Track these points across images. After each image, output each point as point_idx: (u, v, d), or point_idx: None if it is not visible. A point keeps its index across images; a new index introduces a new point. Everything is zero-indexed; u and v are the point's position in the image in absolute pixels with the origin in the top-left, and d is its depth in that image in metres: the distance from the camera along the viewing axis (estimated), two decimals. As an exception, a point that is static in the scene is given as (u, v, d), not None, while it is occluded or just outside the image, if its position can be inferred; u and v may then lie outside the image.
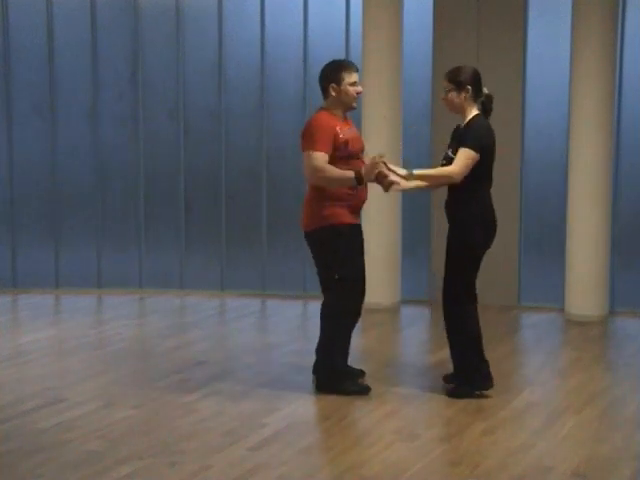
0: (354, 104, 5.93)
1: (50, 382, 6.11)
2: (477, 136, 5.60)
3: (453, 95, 5.71)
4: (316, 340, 5.98)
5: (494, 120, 5.91)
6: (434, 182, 5.77)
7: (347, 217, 5.78)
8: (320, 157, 5.68)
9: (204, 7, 9.09)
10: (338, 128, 5.77)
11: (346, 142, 5.78)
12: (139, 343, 7.34)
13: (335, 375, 5.89)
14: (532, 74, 8.41)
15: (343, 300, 5.83)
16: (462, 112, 5.73)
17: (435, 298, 8.69)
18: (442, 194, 8.56)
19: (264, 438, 5.03)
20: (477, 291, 5.85)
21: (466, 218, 5.68)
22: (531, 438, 5.06)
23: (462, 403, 5.65)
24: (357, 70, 5.91)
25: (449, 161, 5.69)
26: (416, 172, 5.66)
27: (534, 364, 6.66)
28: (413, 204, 8.75)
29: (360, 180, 5.65)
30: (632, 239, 8.37)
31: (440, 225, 8.65)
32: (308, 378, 6.07)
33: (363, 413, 5.52)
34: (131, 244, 9.36)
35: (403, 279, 8.65)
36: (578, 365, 6.38)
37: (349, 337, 5.94)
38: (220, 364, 6.57)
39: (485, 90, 5.79)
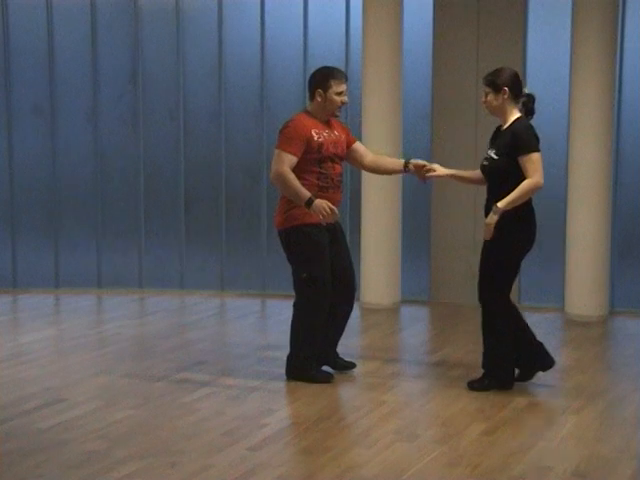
0: (337, 113, 6.08)
1: (50, 382, 6.11)
2: (530, 136, 5.64)
3: (491, 98, 5.73)
4: (316, 340, 6.03)
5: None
6: (524, 200, 5.65)
7: (316, 217, 5.86)
8: (287, 160, 5.84)
9: (204, 7, 9.09)
10: (314, 131, 5.92)
11: (320, 145, 5.93)
12: (139, 343, 7.34)
13: (303, 364, 6.07)
14: (532, 74, 8.41)
15: (312, 298, 5.99)
16: (502, 114, 5.74)
17: (435, 298, 8.72)
18: (442, 195, 8.60)
19: (264, 438, 5.03)
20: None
21: (515, 218, 5.63)
22: (531, 438, 5.06)
23: (462, 403, 5.66)
24: (346, 80, 6.06)
25: (490, 162, 5.74)
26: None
27: (534, 364, 6.66)
28: (413, 204, 8.75)
29: (308, 206, 5.79)
30: (632, 239, 8.37)
31: (440, 225, 8.68)
32: (308, 378, 6.11)
33: (363, 413, 5.52)
34: (131, 244, 9.36)
35: (403, 279, 8.65)
36: (578, 365, 6.38)
37: (323, 329, 6.08)
38: (220, 364, 6.57)
39: (526, 90, 5.78)
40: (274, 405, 5.64)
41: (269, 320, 8.49)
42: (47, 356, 6.87)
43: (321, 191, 5.91)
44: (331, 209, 5.78)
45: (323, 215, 5.78)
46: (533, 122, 5.83)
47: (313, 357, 6.12)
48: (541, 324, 7.94)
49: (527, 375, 5.99)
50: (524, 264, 8.40)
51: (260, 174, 9.05)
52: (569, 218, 8.05)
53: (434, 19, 8.58)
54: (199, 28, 9.13)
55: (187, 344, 7.18)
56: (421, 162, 6.15)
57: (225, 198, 9.18)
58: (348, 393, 6.03)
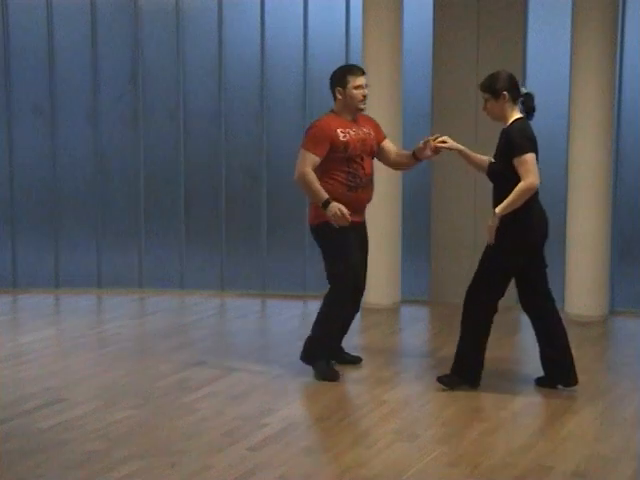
0: (360, 106, 6.09)
1: (50, 382, 6.11)
2: (522, 137, 5.59)
3: (492, 104, 5.70)
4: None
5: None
6: (520, 203, 5.60)
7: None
8: (310, 160, 5.90)
9: (204, 7, 9.09)
10: (339, 130, 5.96)
11: (346, 145, 5.95)
12: (139, 343, 7.35)
13: (318, 350, 6.15)
14: (532, 74, 8.41)
15: (339, 292, 6.06)
16: (504, 118, 5.71)
17: (435, 298, 8.72)
18: (442, 195, 8.60)
19: (264, 438, 5.03)
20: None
21: (511, 221, 5.61)
22: (531, 438, 5.07)
23: (462, 403, 5.66)
24: (363, 73, 6.08)
25: (490, 165, 5.78)
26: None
27: (534, 364, 6.65)
28: (413, 204, 8.75)
29: (325, 208, 5.85)
30: (632, 239, 8.37)
31: (440, 225, 8.68)
32: (308, 378, 6.10)
33: (363, 413, 5.53)
34: (131, 244, 9.36)
35: (403, 279, 8.65)
36: (578, 365, 6.37)
37: (342, 325, 6.26)
38: (220, 364, 6.57)
39: (523, 89, 5.76)
40: (274, 405, 5.64)
41: (269, 320, 8.49)
42: (47, 356, 6.87)
43: (350, 191, 5.98)
44: (342, 214, 5.82)
45: (333, 220, 5.84)
46: (534, 122, 5.82)
47: (327, 347, 6.21)
48: (541, 324, 7.94)
49: (548, 383, 5.98)
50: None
51: (260, 174, 9.05)
52: (569, 218, 8.04)
53: (434, 19, 8.58)
54: (199, 28, 9.13)
55: (187, 344, 7.18)
56: (423, 141, 6.08)
57: (225, 198, 9.17)
58: (348, 393, 6.03)
